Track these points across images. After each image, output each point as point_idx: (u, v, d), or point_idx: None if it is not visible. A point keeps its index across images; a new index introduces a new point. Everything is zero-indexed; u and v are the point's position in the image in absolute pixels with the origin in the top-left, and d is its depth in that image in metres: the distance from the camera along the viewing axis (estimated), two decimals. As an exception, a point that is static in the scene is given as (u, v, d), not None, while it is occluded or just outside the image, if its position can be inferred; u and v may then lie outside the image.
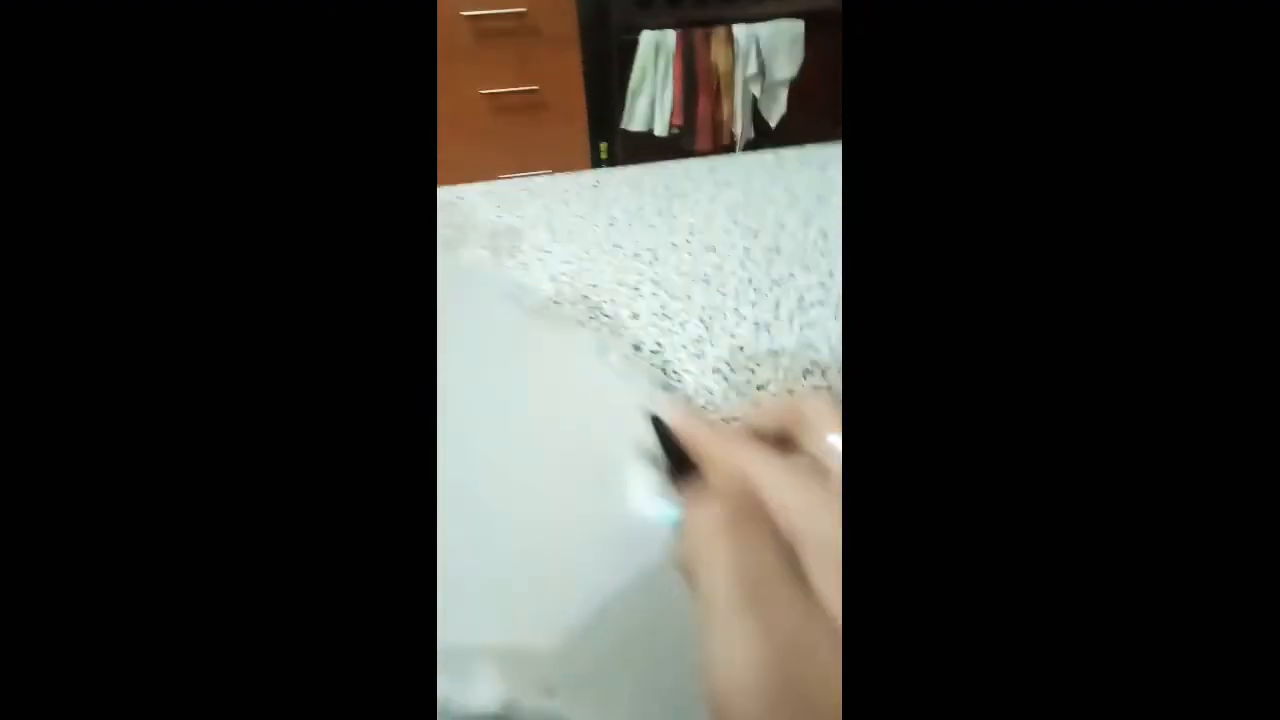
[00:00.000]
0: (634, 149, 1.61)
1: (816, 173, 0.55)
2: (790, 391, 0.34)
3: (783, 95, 1.61)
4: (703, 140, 1.62)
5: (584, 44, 1.49)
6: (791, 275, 0.42)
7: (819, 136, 0.64)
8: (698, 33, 1.47)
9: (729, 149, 1.65)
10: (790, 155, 0.58)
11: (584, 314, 0.40)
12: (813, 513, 0.16)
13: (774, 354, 0.36)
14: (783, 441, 0.20)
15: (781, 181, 0.54)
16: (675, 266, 0.44)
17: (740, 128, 1.62)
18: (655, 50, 1.49)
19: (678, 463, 0.22)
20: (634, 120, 1.59)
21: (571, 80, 1.51)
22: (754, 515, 0.16)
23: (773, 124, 1.64)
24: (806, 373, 0.35)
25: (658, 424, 0.24)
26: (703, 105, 1.57)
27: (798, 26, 1.49)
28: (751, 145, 1.67)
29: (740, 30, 1.47)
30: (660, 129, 1.59)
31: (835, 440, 0.18)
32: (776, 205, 0.50)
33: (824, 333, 0.38)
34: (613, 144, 1.68)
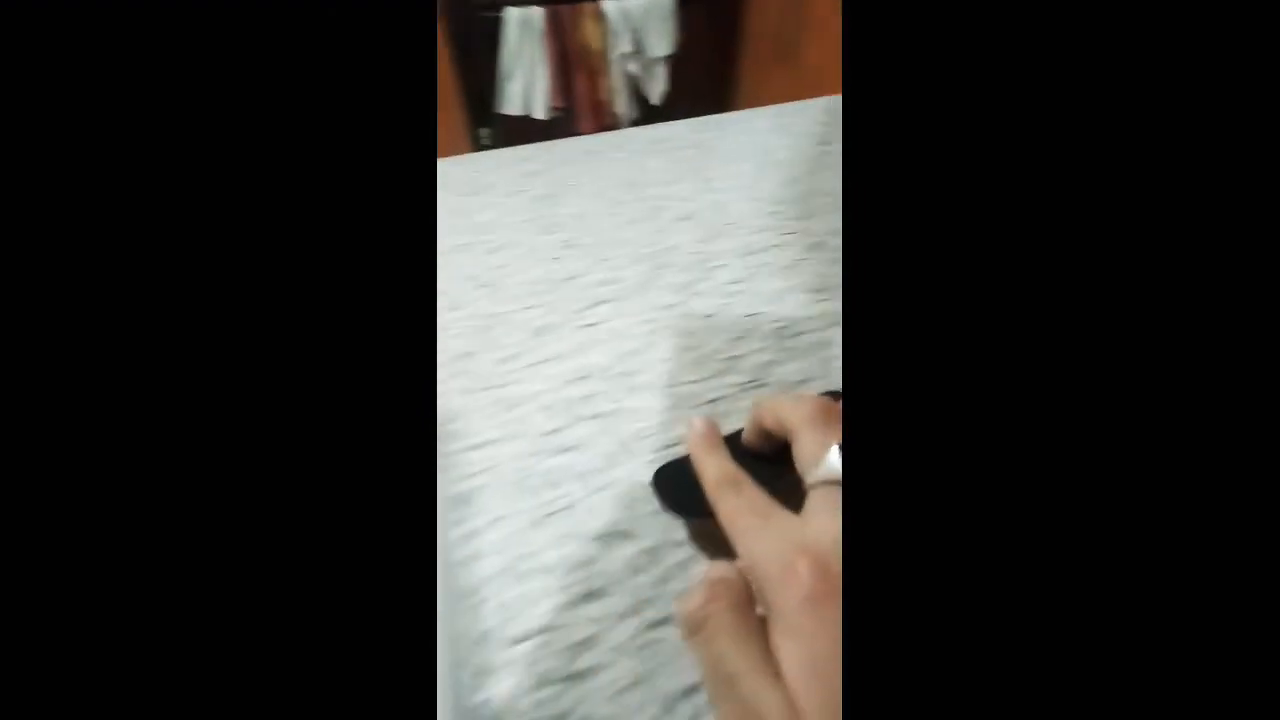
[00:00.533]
0: (518, 133, 1.54)
1: (624, 157, 0.53)
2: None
3: (661, 72, 1.58)
4: (585, 121, 1.58)
5: (447, 25, 1.41)
6: (586, 272, 0.40)
7: (706, 112, 0.61)
8: (565, 10, 1.42)
9: (613, 129, 1.61)
10: (599, 141, 0.56)
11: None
12: (786, 596, 0.17)
13: (545, 361, 0.34)
14: (782, 448, 0.23)
15: (588, 169, 0.51)
16: (459, 270, 0.40)
17: (621, 107, 1.58)
18: (522, 29, 1.42)
19: (688, 509, 0.25)
20: (509, 103, 1.52)
21: (439, 64, 1.43)
22: (730, 607, 0.19)
23: (654, 101, 1.61)
24: (580, 379, 0.33)
25: (660, 484, 0.26)
26: (581, 85, 1.53)
27: (667, 1, 1.46)
28: (637, 124, 1.63)
29: (610, 6, 1.42)
30: (539, 111, 1.53)
31: (834, 458, 0.20)
32: (580, 195, 0.47)
33: (610, 331, 0.35)
34: (496, 129, 1.61)
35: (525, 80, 1.50)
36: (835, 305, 0.37)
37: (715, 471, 0.22)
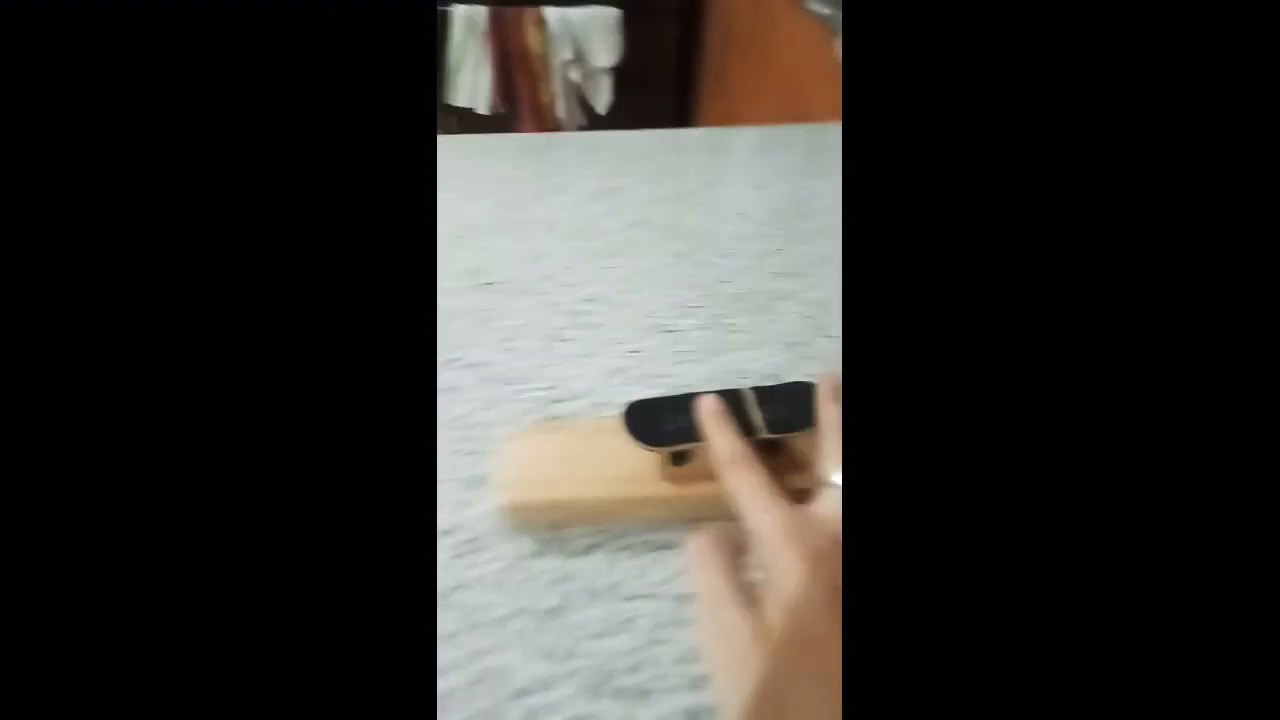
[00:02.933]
0: (477, 125, 1.57)
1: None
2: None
3: (606, 83, 1.62)
4: (527, 123, 1.61)
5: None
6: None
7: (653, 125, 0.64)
8: (508, 12, 1.45)
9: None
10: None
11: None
12: (786, 557, 0.20)
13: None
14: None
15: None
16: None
17: (564, 113, 1.62)
18: (468, 27, 1.45)
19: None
20: (459, 95, 1.55)
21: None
22: (729, 550, 0.22)
23: (600, 111, 1.65)
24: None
25: (630, 417, 0.29)
26: (522, 87, 1.56)
27: (611, 14, 1.51)
28: (583, 131, 1.67)
29: (552, 14, 1.46)
30: (483, 107, 1.57)
31: (835, 479, 0.23)
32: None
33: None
34: (461, 118, 1.63)
35: (471, 75, 1.53)
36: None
37: (727, 448, 0.25)
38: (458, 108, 1.57)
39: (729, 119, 1.47)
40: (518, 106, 1.58)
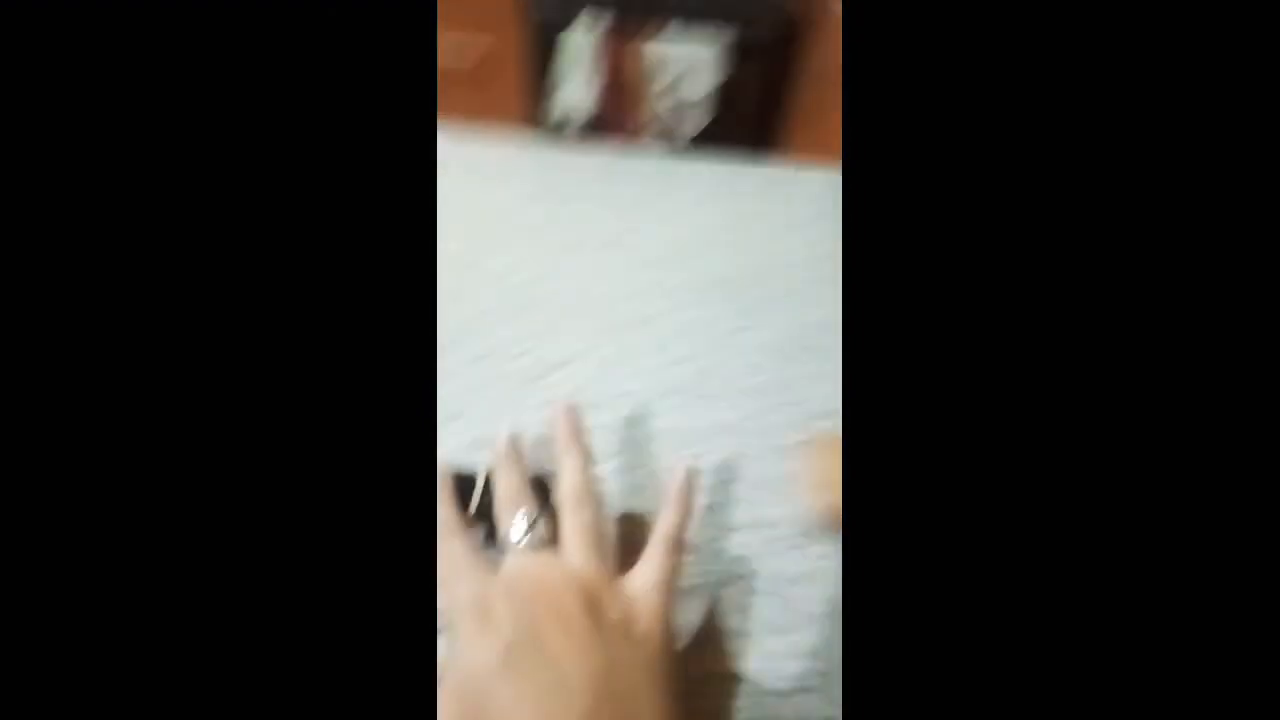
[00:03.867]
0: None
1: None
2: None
3: (696, 115, 1.67)
4: (614, 146, 1.66)
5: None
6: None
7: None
8: (614, 41, 1.51)
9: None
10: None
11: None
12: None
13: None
14: None
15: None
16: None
17: (652, 138, 1.67)
18: (576, 50, 1.51)
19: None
20: (554, 112, 1.61)
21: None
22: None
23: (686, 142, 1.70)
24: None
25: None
26: (618, 113, 1.61)
27: (711, 50, 1.56)
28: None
29: (651, 46, 1.52)
30: (578, 124, 1.62)
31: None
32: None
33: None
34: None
35: (568, 96, 1.58)
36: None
37: (444, 515, 0.26)
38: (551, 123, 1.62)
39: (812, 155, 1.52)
40: (607, 130, 1.63)
